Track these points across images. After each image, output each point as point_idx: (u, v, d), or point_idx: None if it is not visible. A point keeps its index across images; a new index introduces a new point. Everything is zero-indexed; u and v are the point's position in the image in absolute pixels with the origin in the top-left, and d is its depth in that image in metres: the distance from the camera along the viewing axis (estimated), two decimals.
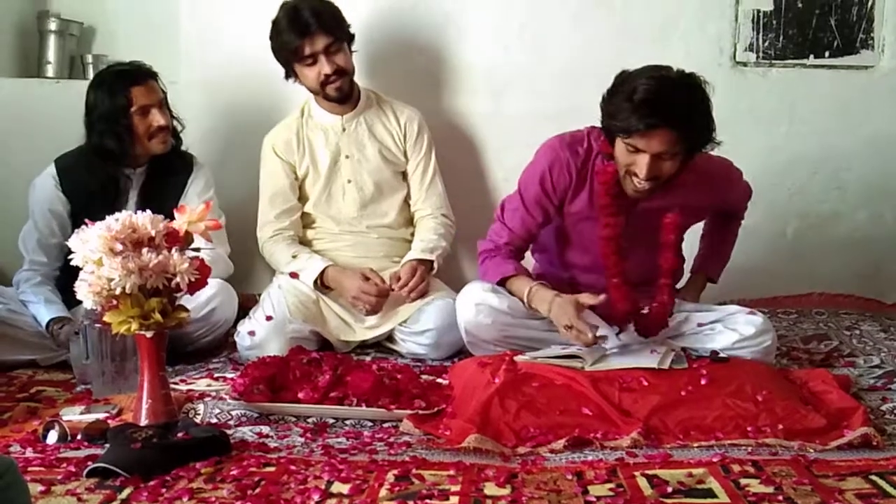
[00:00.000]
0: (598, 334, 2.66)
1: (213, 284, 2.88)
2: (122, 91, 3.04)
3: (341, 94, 3.26)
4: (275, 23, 3.21)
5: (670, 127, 2.48)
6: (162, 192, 3.14)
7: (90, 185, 3.08)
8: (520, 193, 2.86)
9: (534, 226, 2.87)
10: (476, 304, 2.82)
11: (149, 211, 2.25)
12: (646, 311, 2.78)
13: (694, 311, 2.89)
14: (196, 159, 3.29)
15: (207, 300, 2.98)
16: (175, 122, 3.21)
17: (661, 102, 2.47)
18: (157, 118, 3.06)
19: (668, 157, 2.55)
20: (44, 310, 2.96)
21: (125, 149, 3.06)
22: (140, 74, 3.09)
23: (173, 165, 3.21)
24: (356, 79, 3.34)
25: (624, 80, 2.56)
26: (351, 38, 3.28)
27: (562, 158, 2.76)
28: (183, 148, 3.28)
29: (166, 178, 3.19)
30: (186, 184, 3.23)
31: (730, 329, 2.77)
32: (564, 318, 2.62)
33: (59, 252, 3.06)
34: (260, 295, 3.31)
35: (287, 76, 3.30)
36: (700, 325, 2.82)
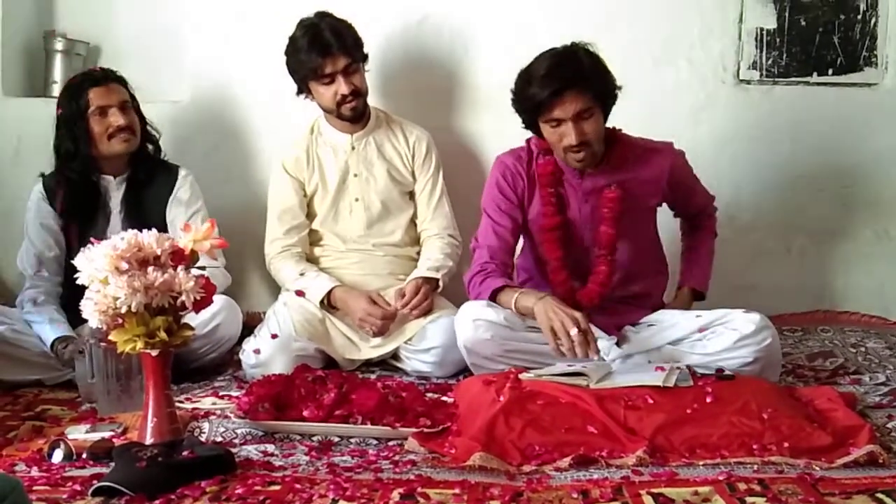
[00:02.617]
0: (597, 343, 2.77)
1: (218, 301, 2.87)
2: (81, 94, 3.10)
3: (355, 115, 3.28)
4: (293, 40, 3.23)
5: (575, 87, 2.74)
6: (146, 201, 3.18)
7: (72, 195, 3.12)
8: (485, 212, 3.05)
9: (506, 233, 2.99)
10: (474, 320, 2.82)
11: (144, 231, 2.25)
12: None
13: (692, 317, 2.90)
14: (181, 169, 3.29)
15: (212, 317, 2.98)
16: (151, 130, 3.24)
17: (557, 70, 2.75)
18: (116, 118, 3.09)
19: (587, 115, 2.77)
20: (48, 329, 2.96)
21: (81, 150, 3.09)
22: (101, 77, 3.14)
23: (155, 174, 3.23)
24: None
25: (520, 76, 2.84)
26: (366, 58, 3.30)
27: (509, 165, 3.01)
28: (185, 167, 3.30)
29: (148, 186, 3.21)
30: (171, 192, 3.24)
31: (730, 329, 2.77)
32: (550, 312, 2.67)
33: (58, 266, 3.09)
34: (265, 313, 3.31)
35: (299, 93, 3.31)
36: (702, 330, 2.82)
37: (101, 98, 3.10)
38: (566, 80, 2.73)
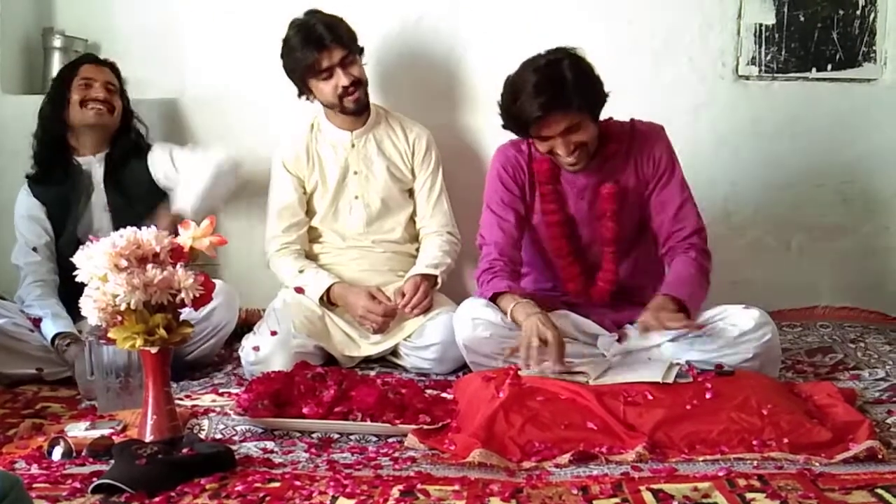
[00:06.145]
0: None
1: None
2: (73, 67, 3.26)
3: (359, 106, 3.27)
4: (286, 41, 3.22)
5: (559, 109, 2.65)
6: (127, 178, 3.24)
7: (53, 181, 3.19)
8: (488, 207, 3.00)
9: (511, 228, 2.95)
10: (473, 319, 2.82)
11: (136, 227, 2.27)
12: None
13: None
14: (156, 144, 3.38)
15: None
16: (138, 124, 3.34)
17: (541, 90, 2.63)
18: (97, 92, 3.21)
19: (576, 128, 2.71)
20: (50, 324, 2.96)
21: (57, 113, 3.21)
22: (95, 59, 3.31)
23: (129, 153, 3.30)
24: None
25: (506, 89, 2.74)
26: (361, 50, 3.30)
27: (510, 156, 2.96)
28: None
29: (128, 160, 3.28)
30: (149, 163, 3.30)
31: (729, 326, 2.74)
32: (534, 331, 2.61)
33: (50, 252, 3.16)
34: (265, 310, 3.31)
35: (300, 94, 3.30)
36: (700, 327, 2.78)
37: (90, 72, 3.24)
38: (549, 103, 2.64)
